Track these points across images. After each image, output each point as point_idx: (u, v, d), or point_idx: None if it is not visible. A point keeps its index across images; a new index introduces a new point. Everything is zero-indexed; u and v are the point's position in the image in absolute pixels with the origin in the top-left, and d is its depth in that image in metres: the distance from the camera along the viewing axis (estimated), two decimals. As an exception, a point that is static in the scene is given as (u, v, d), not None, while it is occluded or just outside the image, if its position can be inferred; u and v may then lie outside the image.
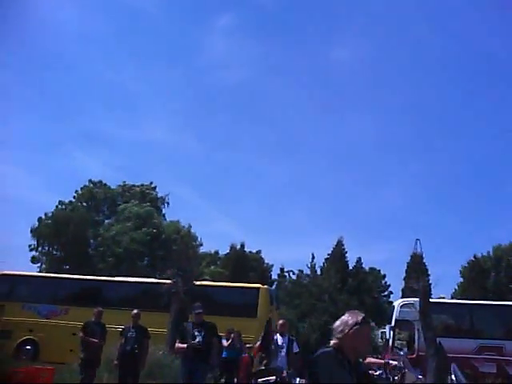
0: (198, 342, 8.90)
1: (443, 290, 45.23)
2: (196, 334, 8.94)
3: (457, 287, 41.73)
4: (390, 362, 9.39)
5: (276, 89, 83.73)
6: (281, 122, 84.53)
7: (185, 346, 8.88)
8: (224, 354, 15.03)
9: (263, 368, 10.06)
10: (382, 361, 9.53)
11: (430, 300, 19.82)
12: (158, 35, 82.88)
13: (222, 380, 14.97)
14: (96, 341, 10.98)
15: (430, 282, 38.23)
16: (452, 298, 36.00)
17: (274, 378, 9.09)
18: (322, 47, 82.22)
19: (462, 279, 42.02)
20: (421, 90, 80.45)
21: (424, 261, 39.99)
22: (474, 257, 42.33)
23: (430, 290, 32.55)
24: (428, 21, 78.15)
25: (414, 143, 79.82)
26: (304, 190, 79.19)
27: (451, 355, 18.05)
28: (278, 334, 10.58)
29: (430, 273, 38.21)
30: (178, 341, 9.25)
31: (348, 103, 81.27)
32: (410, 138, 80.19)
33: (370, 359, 9.39)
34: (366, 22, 79.21)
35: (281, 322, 11.04)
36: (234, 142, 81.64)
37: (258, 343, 11.20)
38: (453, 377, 9.06)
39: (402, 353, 10.09)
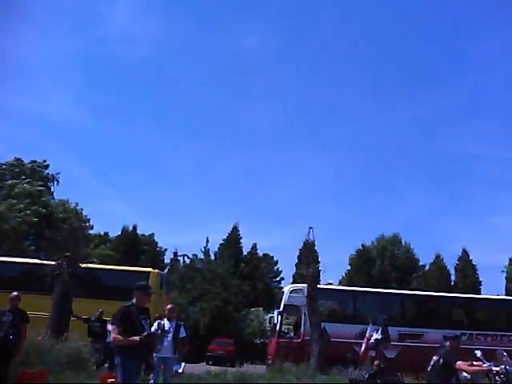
0: (154, 332, 7.80)
1: (332, 277, 46.96)
2: (143, 323, 7.06)
3: (344, 274, 43.44)
4: (494, 368, 7.71)
5: (183, 70, 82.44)
6: (185, 103, 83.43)
7: (137, 338, 6.65)
8: (109, 339, 14.41)
9: None
10: (482, 368, 7.81)
11: (318, 286, 20.28)
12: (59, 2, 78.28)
13: (106, 365, 14.30)
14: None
15: (320, 268, 39.75)
16: (339, 285, 37.35)
17: None
18: (234, 33, 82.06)
19: (349, 267, 43.80)
20: (325, 79, 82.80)
21: (315, 248, 41.24)
22: (362, 246, 44.31)
23: (319, 276, 33.58)
24: (338, 11, 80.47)
25: (316, 134, 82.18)
26: (203, 174, 78.96)
27: (335, 340, 18.68)
28: (165, 319, 10.23)
29: (320, 260, 39.60)
30: (119, 330, 6.72)
31: (255, 90, 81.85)
32: (314, 128, 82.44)
33: (462, 364, 7.63)
34: (277, 11, 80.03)
35: (168, 306, 10.70)
36: (133, 121, 79.48)
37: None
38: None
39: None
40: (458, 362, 7.39)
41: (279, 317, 20.37)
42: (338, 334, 19.54)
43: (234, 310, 33.86)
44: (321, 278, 35.50)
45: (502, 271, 18.46)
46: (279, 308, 20.85)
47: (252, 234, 78.70)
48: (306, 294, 18.64)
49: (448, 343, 7.74)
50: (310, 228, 41.20)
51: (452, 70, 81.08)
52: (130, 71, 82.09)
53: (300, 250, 39.01)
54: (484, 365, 7.64)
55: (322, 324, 18.12)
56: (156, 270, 22.63)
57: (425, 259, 44.53)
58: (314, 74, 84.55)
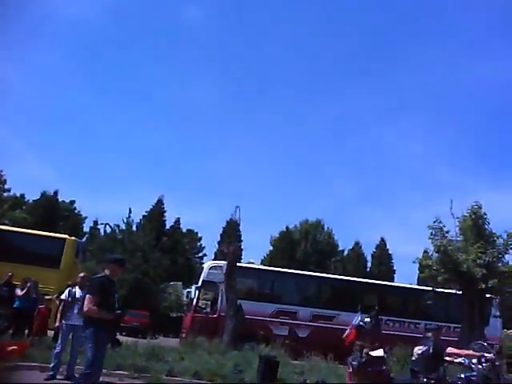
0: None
1: (255, 257, 47.48)
2: (115, 296, 6.94)
3: (266, 255, 44.00)
4: (486, 354, 7.86)
5: (118, 34, 79.41)
6: (119, 68, 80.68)
7: (111, 316, 6.63)
8: (16, 304, 13.96)
9: None
10: (474, 353, 8.00)
11: (238, 264, 20.35)
12: None
13: (10, 331, 13.70)
14: None
15: (242, 247, 40.04)
16: (261, 265, 37.78)
17: None
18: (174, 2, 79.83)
19: (272, 248, 44.41)
20: (265, 58, 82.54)
21: (240, 227, 41.44)
22: (286, 228, 45.01)
23: (241, 254, 33.82)
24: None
25: (251, 114, 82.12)
26: (131, 143, 77.03)
27: (250, 317, 18.87)
28: (76, 287, 10.07)
29: (243, 239, 39.86)
30: (96, 301, 6.47)
31: (194, 64, 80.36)
32: (249, 108, 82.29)
33: (453, 349, 8.09)
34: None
35: (81, 275, 10.56)
36: (62, 79, 76.03)
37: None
38: None
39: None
40: (449, 348, 7.91)
41: (197, 292, 20.40)
42: (254, 311, 19.78)
43: (152, 282, 33.50)
44: (242, 257, 35.88)
45: (414, 262, 19.41)
46: (198, 283, 20.84)
47: (177, 208, 78.19)
48: (224, 271, 18.66)
49: (431, 334, 8.20)
50: (237, 207, 41.08)
51: (385, 67, 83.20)
52: (63, 30, 78.27)
53: (224, 228, 39.01)
54: (474, 352, 7.94)
55: (239, 301, 18.23)
56: (72, 238, 22.04)
57: (344, 245, 45.97)
58: (254, 50, 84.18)
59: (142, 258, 33.85)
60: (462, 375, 7.88)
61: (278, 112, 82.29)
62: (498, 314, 20.63)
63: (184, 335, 19.08)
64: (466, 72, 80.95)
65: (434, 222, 18.07)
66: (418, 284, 29.11)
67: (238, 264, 20.06)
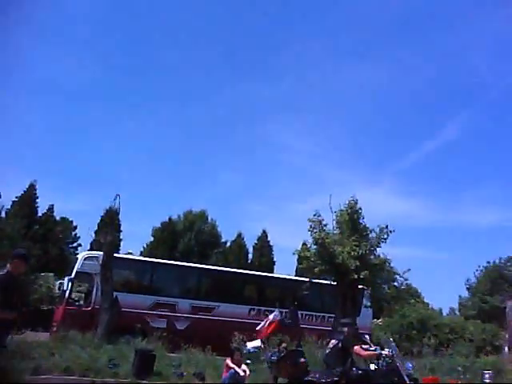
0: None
1: (134, 248, 46.20)
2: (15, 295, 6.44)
3: (146, 245, 43.03)
4: (383, 352, 8.74)
5: None
6: None
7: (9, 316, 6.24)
8: None
9: None
10: (374, 353, 8.85)
11: (115, 255, 19.59)
12: None
13: None
14: None
15: (121, 237, 38.80)
16: (141, 256, 36.79)
17: None
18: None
19: (152, 238, 43.48)
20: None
21: (119, 217, 40.06)
22: (169, 219, 44.28)
23: (119, 245, 32.73)
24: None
25: (133, 97, 79.59)
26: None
27: (127, 310, 18.20)
28: None
29: (122, 229, 38.56)
30: None
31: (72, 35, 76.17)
32: (133, 90, 79.60)
33: (358, 349, 8.58)
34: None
35: None
36: None
37: None
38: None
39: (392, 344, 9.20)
40: (355, 347, 8.48)
41: (70, 283, 19.24)
42: (131, 304, 19.12)
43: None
44: (121, 248, 34.69)
45: (294, 253, 20.07)
46: (71, 275, 19.70)
47: (52, 195, 73.83)
48: (101, 261, 17.84)
49: (346, 329, 8.76)
50: (117, 195, 39.82)
51: (276, 62, 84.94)
52: None
53: (102, 217, 37.34)
54: (371, 349, 8.92)
55: (115, 293, 17.52)
56: None
57: (227, 236, 46.23)
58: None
59: (9, 247, 31.43)
60: (372, 367, 8.71)
61: (164, 97, 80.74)
62: (368, 304, 21.77)
63: (55, 329, 17.92)
64: (349, 75, 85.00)
65: (314, 216, 18.62)
66: (296, 275, 29.96)
67: (115, 255, 19.34)
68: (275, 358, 12.71)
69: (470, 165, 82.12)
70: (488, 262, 47.94)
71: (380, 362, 8.65)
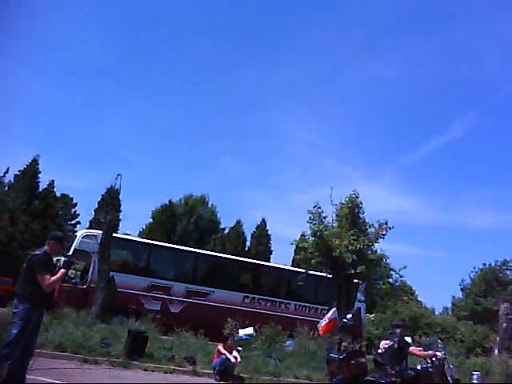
0: None
1: (133, 228, 46.26)
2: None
3: (145, 227, 42.99)
4: (437, 353, 9.12)
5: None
6: None
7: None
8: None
9: None
10: (430, 353, 9.17)
11: (114, 235, 19.60)
12: None
13: None
14: None
15: (121, 218, 38.68)
16: (139, 237, 36.83)
17: None
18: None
19: (152, 220, 43.42)
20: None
21: (119, 197, 40.00)
22: (169, 202, 44.17)
23: (118, 225, 32.61)
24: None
25: (142, 78, 79.36)
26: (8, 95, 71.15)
27: (122, 290, 18.28)
28: None
29: (122, 209, 38.48)
30: (50, 275, 6.42)
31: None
32: (142, 72, 79.43)
33: (414, 350, 9.22)
34: None
35: None
36: None
37: None
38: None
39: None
40: (411, 348, 9.11)
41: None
42: (127, 284, 19.24)
43: (19, 247, 31.33)
44: (119, 228, 34.69)
45: (291, 244, 19.96)
46: (69, 252, 19.72)
47: (54, 171, 73.92)
48: (99, 240, 17.88)
49: (398, 330, 9.30)
50: (119, 175, 39.75)
51: (283, 51, 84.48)
52: None
53: (103, 195, 37.26)
54: (430, 351, 9.15)
55: (111, 273, 17.59)
56: None
57: (226, 223, 46.28)
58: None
59: (8, 221, 31.54)
60: (418, 367, 9.09)
61: (172, 80, 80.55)
62: (363, 299, 21.84)
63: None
64: (358, 69, 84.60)
65: (314, 207, 18.55)
66: (293, 266, 30.03)
67: (113, 234, 19.37)
68: (336, 356, 13.43)
69: (472, 165, 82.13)
70: (484, 264, 47.90)
71: (434, 361, 9.05)
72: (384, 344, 9.16)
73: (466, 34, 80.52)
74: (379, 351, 9.26)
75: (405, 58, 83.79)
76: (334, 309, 15.47)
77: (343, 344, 15.08)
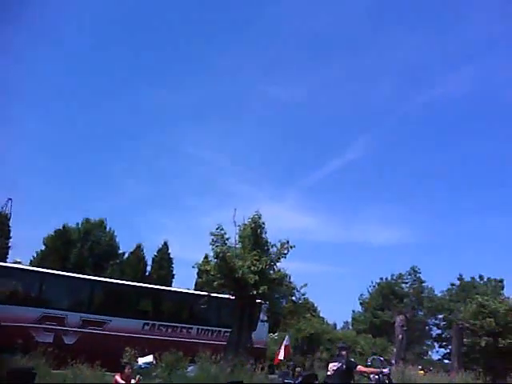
0: None
1: (24, 256, 43.35)
2: None
3: (36, 254, 40.52)
4: (384, 370, 10.45)
5: None
6: None
7: None
8: None
9: None
10: (376, 370, 10.52)
11: (1, 264, 18.23)
12: None
13: None
14: None
15: (10, 245, 36.34)
16: (30, 265, 34.59)
17: None
18: None
19: (44, 247, 41.01)
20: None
21: (10, 222, 37.66)
22: (63, 227, 41.97)
23: (7, 253, 30.58)
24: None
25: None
26: None
27: (11, 324, 16.94)
28: None
29: (12, 236, 36.18)
30: None
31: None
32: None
33: (361, 368, 10.18)
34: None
35: None
36: None
37: None
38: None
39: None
40: (359, 366, 9.95)
41: None
42: (15, 317, 17.82)
43: None
44: (8, 256, 32.42)
45: (193, 267, 19.72)
46: None
47: None
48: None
49: (344, 352, 9.88)
50: (9, 199, 37.81)
51: (185, 70, 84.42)
52: None
53: (-9, 222, 34.81)
54: (377, 369, 10.71)
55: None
56: None
57: (126, 247, 44.70)
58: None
59: None
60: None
61: (72, 98, 77.37)
62: (265, 318, 21.81)
63: None
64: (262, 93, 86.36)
65: (217, 229, 18.38)
66: (195, 289, 29.54)
67: (1, 263, 18.04)
68: (292, 381, 14.32)
69: (369, 184, 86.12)
70: (381, 279, 49.60)
71: (380, 377, 10.21)
72: (333, 366, 9.65)
73: (364, 60, 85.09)
74: (328, 373, 9.78)
75: (306, 82, 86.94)
76: (287, 336, 16.68)
77: (296, 370, 15.97)
